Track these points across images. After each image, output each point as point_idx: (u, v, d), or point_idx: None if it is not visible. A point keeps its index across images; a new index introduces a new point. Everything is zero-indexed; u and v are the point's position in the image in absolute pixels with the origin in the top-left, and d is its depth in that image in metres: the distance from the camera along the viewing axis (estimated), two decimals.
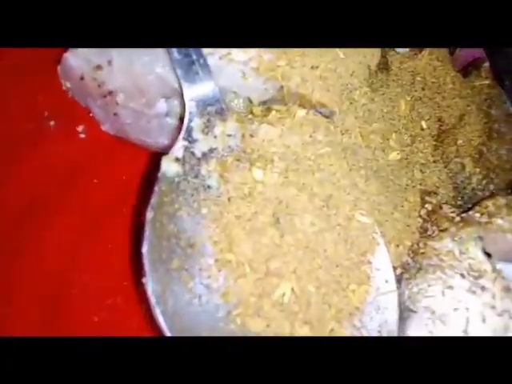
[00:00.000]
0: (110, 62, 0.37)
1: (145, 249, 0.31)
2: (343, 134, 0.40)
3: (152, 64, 0.36)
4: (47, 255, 0.38)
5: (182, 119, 0.37)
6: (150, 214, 0.32)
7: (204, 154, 0.36)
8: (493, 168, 0.47)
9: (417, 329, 0.37)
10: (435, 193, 0.45)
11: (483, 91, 0.50)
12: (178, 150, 0.35)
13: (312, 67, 0.37)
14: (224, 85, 0.37)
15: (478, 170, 0.46)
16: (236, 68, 0.36)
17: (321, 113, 0.40)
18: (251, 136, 0.37)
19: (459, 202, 0.45)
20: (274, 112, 0.38)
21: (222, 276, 0.34)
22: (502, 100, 0.50)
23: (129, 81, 0.37)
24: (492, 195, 0.42)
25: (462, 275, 0.38)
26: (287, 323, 0.35)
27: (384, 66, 0.46)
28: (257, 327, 0.34)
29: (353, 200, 0.38)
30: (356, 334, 0.36)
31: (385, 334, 0.36)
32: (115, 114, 0.40)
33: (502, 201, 0.40)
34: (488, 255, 0.39)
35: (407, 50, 0.46)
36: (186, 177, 0.35)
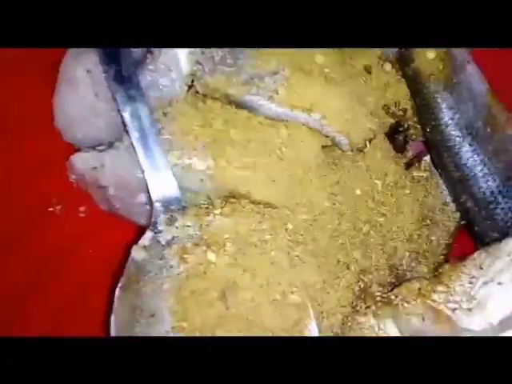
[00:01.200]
0: (102, 165, 0.48)
1: (112, 319, 0.41)
2: (285, 223, 0.49)
3: (133, 170, 0.47)
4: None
5: None
6: (117, 293, 0.42)
7: (167, 241, 0.46)
8: (422, 252, 0.55)
9: None
10: (369, 272, 0.53)
11: (421, 182, 0.58)
12: (146, 239, 0.45)
13: (256, 173, 0.47)
14: (187, 186, 0.47)
15: (408, 253, 0.54)
16: (196, 175, 0.47)
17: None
18: (207, 225, 0.47)
19: (391, 281, 0.53)
20: (228, 205, 0.48)
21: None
22: (439, 191, 0.59)
23: (116, 179, 0.48)
24: (409, 279, 0.50)
25: None
26: None
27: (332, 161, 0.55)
28: None
29: (289, 280, 0.47)
30: None
31: None
32: (108, 200, 0.51)
33: (415, 285, 0.47)
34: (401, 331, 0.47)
35: (349, 149, 0.54)
36: (152, 260, 0.45)
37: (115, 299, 0.42)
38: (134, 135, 0.45)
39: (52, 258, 0.50)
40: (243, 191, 0.47)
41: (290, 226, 0.49)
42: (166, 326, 0.44)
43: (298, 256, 0.49)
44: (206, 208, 0.47)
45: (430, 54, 0.53)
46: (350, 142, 0.52)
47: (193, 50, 0.48)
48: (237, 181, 0.47)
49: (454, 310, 0.44)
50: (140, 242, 0.45)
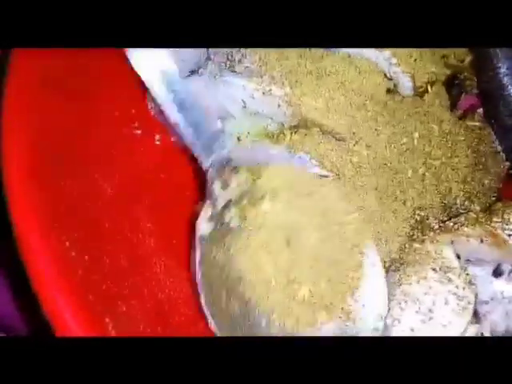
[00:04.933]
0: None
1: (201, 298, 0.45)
2: (351, 155, 0.53)
3: (215, 95, 0.51)
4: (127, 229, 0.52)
5: None
6: (197, 269, 0.46)
7: (225, 205, 0.48)
8: (475, 193, 0.58)
9: (393, 306, 0.48)
10: (425, 208, 0.56)
11: (474, 131, 0.61)
12: (207, 210, 0.47)
13: (328, 104, 0.51)
14: (265, 112, 0.51)
15: (461, 193, 0.57)
16: (274, 100, 0.50)
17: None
18: (258, 178, 0.48)
19: (444, 218, 0.56)
20: (298, 133, 0.51)
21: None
22: (491, 140, 0.62)
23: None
24: (467, 212, 0.53)
25: (435, 269, 0.49)
26: (310, 313, 0.46)
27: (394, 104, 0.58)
28: (290, 324, 0.45)
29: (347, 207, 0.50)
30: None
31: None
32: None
33: (472, 215, 0.51)
34: (458, 256, 0.50)
35: (411, 93, 0.57)
36: (216, 228, 0.47)
37: (198, 274, 0.46)
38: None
39: (132, 175, 0.53)
40: (315, 119, 0.51)
41: (355, 159, 0.53)
42: (249, 286, 0.46)
43: (361, 186, 0.52)
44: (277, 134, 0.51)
45: None
46: (414, 85, 0.55)
47: None
48: (310, 108, 0.50)
49: (509, 235, 0.47)
50: (201, 217, 0.48)
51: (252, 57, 0.51)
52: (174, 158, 0.57)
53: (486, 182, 0.58)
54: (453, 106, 0.63)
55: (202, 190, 0.56)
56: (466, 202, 0.57)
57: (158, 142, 0.57)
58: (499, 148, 0.60)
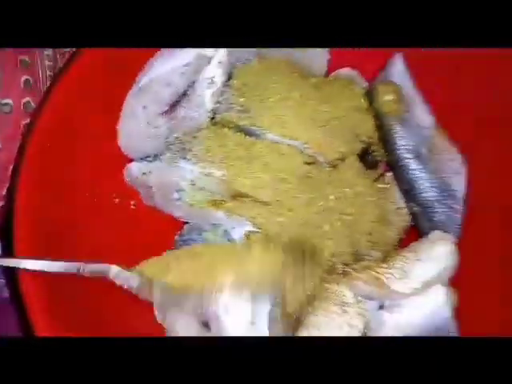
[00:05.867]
0: (150, 172, 0.69)
1: None
2: (276, 216, 0.69)
3: (171, 175, 0.69)
4: None
5: None
6: None
7: None
8: (378, 243, 0.74)
9: (302, 331, 0.63)
10: (338, 255, 0.72)
11: (383, 191, 0.77)
12: None
13: (256, 181, 0.68)
14: (207, 188, 0.68)
15: (367, 243, 0.73)
16: (214, 180, 0.67)
17: None
18: None
19: (351, 262, 0.72)
20: (234, 201, 0.68)
21: None
22: (396, 197, 0.77)
23: (159, 182, 0.70)
24: (363, 260, 0.69)
25: (336, 304, 0.65)
26: None
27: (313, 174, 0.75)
28: None
29: None
30: None
31: None
32: (152, 197, 0.72)
33: (363, 263, 0.67)
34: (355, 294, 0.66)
35: (326, 166, 0.74)
36: None
37: None
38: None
39: (110, 237, 0.71)
40: (247, 192, 0.68)
41: (280, 219, 0.70)
42: None
43: (285, 240, 0.69)
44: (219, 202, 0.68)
45: (387, 96, 0.74)
46: (326, 161, 0.72)
47: (215, 91, 0.69)
48: (242, 185, 0.67)
49: (388, 278, 0.63)
50: None
51: (199, 146, 0.68)
52: (146, 218, 0.75)
53: (390, 233, 0.74)
54: (372, 169, 0.79)
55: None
56: (370, 250, 0.73)
57: (133, 206, 0.74)
58: (402, 205, 0.76)
